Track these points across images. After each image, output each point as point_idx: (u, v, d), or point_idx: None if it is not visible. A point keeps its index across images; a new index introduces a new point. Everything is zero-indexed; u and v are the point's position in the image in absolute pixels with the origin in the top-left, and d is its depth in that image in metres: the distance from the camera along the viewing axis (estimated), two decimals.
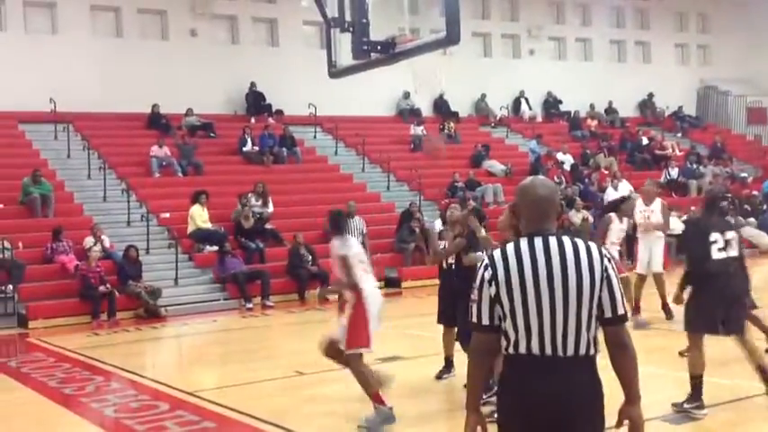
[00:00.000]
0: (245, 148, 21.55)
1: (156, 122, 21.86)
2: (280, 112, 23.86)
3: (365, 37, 7.69)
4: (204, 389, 8.61)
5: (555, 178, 21.99)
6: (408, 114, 25.81)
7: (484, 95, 27.52)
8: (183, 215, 17.48)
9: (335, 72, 8.60)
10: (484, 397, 6.99)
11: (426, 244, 8.35)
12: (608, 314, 3.26)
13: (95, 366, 10.14)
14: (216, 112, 23.17)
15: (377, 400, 6.65)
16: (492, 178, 22.58)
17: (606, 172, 23.41)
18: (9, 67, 20.48)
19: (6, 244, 14.97)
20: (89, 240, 15.54)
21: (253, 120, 23.38)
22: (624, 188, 21.51)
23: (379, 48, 7.77)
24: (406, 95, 26.06)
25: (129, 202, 17.74)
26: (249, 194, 18.13)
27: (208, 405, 7.82)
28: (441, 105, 26.68)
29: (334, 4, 8.11)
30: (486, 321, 3.29)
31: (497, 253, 3.31)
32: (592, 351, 3.24)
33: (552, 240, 3.27)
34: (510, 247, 3.30)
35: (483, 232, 7.80)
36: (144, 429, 7.03)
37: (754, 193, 23.73)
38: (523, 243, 3.30)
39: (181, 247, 16.81)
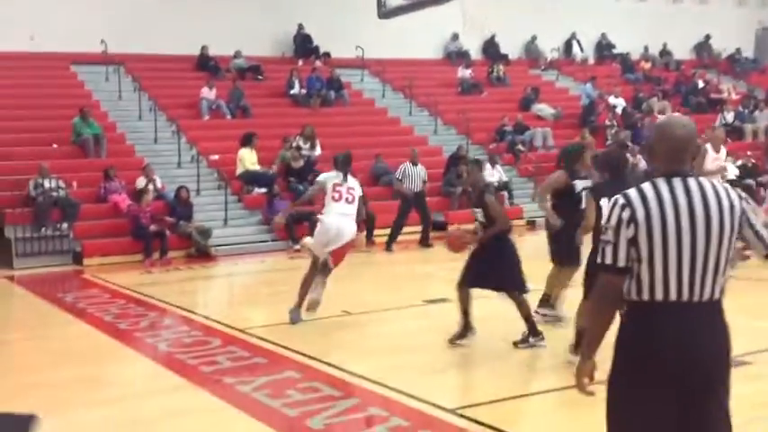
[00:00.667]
0: (292, 91, 21.55)
1: (205, 65, 21.95)
2: (327, 54, 23.75)
3: None
4: (254, 326, 8.79)
5: (606, 122, 21.70)
6: (456, 57, 25.51)
7: (534, 37, 27.07)
8: (232, 157, 17.63)
9: (385, 12, 8.58)
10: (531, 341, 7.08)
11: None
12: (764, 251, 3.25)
13: (149, 303, 10.39)
14: (264, 55, 23.16)
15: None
16: (541, 122, 22.31)
17: (660, 116, 22.96)
18: (62, 9, 20.67)
19: (61, 183, 15.27)
20: (141, 181, 15.78)
21: (300, 62, 23.34)
22: None
23: None
24: (455, 37, 25.78)
25: (179, 143, 17.94)
26: (297, 137, 18.19)
27: (258, 342, 7.99)
28: (489, 48, 26.34)
29: None
30: (622, 263, 3.17)
31: (634, 193, 3.19)
32: (721, 296, 3.19)
33: (692, 182, 3.18)
34: (648, 187, 3.19)
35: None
36: (197, 363, 7.22)
37: None
38: (662, 183, 3.18)
39: (230, 188, 17.01)
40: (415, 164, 15.82)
